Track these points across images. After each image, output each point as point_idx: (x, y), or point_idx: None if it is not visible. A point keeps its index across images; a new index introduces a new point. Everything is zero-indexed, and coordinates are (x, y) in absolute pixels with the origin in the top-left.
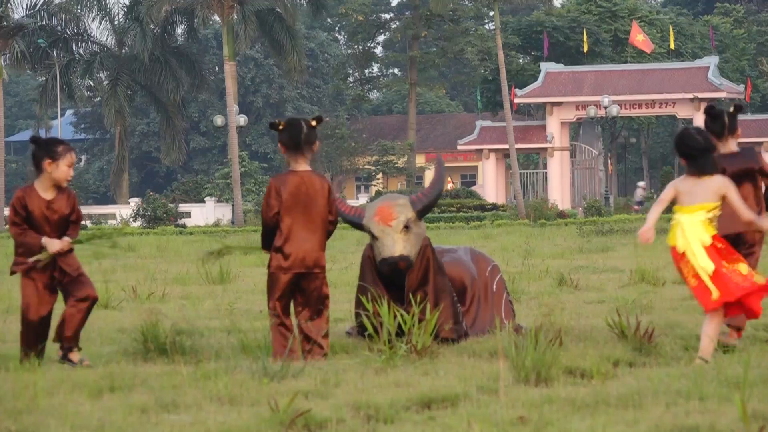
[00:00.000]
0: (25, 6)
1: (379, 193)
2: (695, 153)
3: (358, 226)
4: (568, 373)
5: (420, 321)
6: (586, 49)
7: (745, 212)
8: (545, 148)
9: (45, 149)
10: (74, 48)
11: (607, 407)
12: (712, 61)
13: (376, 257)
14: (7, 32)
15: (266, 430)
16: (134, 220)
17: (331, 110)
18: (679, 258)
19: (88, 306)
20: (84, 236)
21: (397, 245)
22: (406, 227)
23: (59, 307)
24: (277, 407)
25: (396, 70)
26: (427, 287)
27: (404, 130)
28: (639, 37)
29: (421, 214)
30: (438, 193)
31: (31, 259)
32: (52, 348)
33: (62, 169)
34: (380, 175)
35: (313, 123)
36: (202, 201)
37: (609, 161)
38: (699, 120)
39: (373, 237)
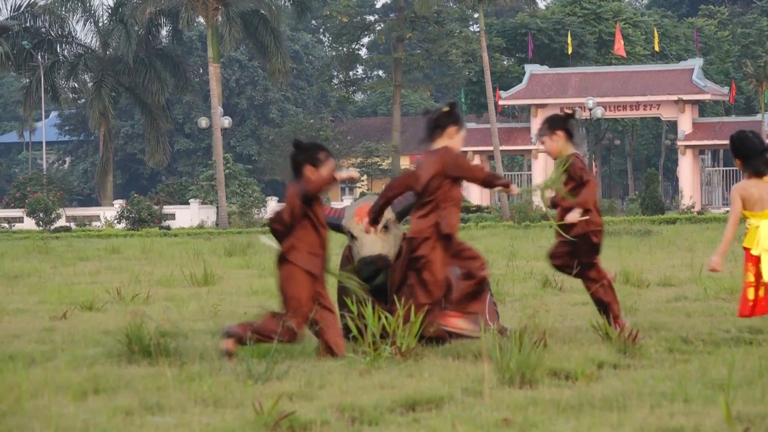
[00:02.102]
0: (9, 8)
1: (363, 195)
2: (751, 154)
3: (338, 227)
4: (552, 375)
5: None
6: (570, 50)
7: None
8: (530, 150)
9: (306, 155)
10: (58, 50)
11: (591, 409)
12: (696, 63)
13: (354, 258)
14: None
15: None
16: (118, 222)
17: (316, 112)
18: (754, 260)
19: None
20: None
21: (376, 245)
22: (386, 227)
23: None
24: (261, 409)
25: (380, 72)
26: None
27: (389, 132)
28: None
29: (401, 216)
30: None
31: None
32: (35, 349)
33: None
34: (365, 177)
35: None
36: (187, 203)
37: (593, 163)
38: (683, 122)
39: (352, 237)
